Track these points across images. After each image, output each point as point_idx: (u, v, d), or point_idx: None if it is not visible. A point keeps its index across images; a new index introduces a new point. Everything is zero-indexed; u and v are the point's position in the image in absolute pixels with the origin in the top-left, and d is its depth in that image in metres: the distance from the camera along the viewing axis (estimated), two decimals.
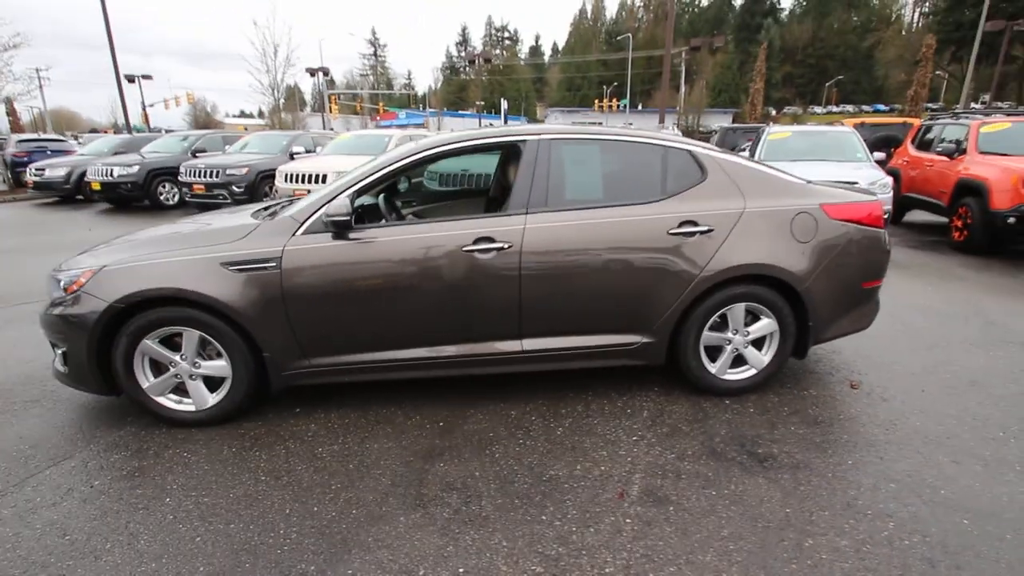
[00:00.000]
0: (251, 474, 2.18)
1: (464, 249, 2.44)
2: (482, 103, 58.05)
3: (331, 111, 41.26)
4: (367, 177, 2.54)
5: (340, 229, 2.41)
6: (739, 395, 2.81)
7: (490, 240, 2.45)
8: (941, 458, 2.28)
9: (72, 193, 12.27)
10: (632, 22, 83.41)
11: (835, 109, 64.97)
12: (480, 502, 2.00)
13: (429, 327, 2.53)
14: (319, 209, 2.45)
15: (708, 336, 2.71)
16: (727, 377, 2.79)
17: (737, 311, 2.68)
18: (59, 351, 2.52)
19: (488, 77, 73.94)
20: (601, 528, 1.86)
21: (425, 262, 2.44)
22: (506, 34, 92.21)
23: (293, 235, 2.43)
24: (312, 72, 38.56)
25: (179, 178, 10.43)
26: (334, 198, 2.45)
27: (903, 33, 71.49)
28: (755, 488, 2.08)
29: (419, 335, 2.55)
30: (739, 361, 2.81)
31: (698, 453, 2.30)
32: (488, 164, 7.80)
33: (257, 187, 9.96)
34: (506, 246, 2.45)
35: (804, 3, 77.28)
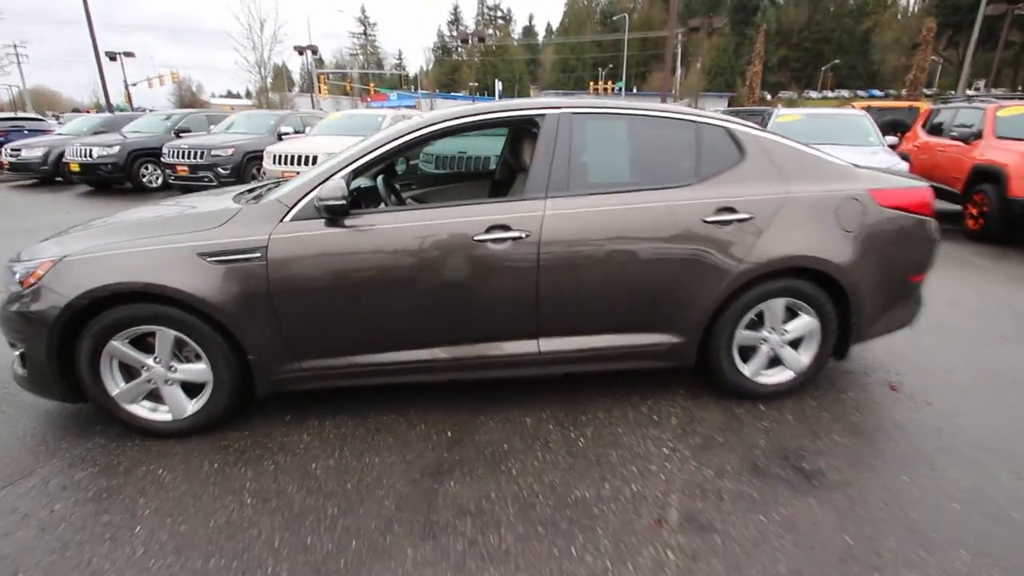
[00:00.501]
0: (235, 496, 1.91)
1: (476, 238, 2.15)
2: (475, 84, 56.96)
3: (320, 91, 40.20)
4: (364, 156, 2.23)
5: (335, 215, 2.12)
6: (773, 399, 2.58)
7: (505, 228, 2.17)
8: (999, 470, 2.07)
9: (51, 175, 11.71)
10: (627, 2, 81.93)
11: (830, 94, 64.54)
12: (499, 531, 1.75)
13: (435, 325, 2.26)
14: (311, 192, 2.15)
15: (742, 335, 2.46)
16: (762, 380, 2.55)
17: (776, 307, 2.43)
18: (17, 352, 2.22)
19: (481, 58, 72.54)
20: (641, 563, 1.62)
21: (431, 252, 2.15)
22: (499, 14, 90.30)
23: (281, 221, 2.13)
24: (300, 50, 37.47)
25: (162, 159, 9.97)
26: (328, 179, 2.15)
27: (899, 17, 70.89)
28: (807, 511, 1.85)
29: (423, 334, 2.27)
30: (774, 362, 2.57)
31: (738, 469, 2.07)
32: (487, 146, 7.47)
33: (244, 168, 9.54)
34: (523, 235, 2.17)
35: None
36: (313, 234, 2.12)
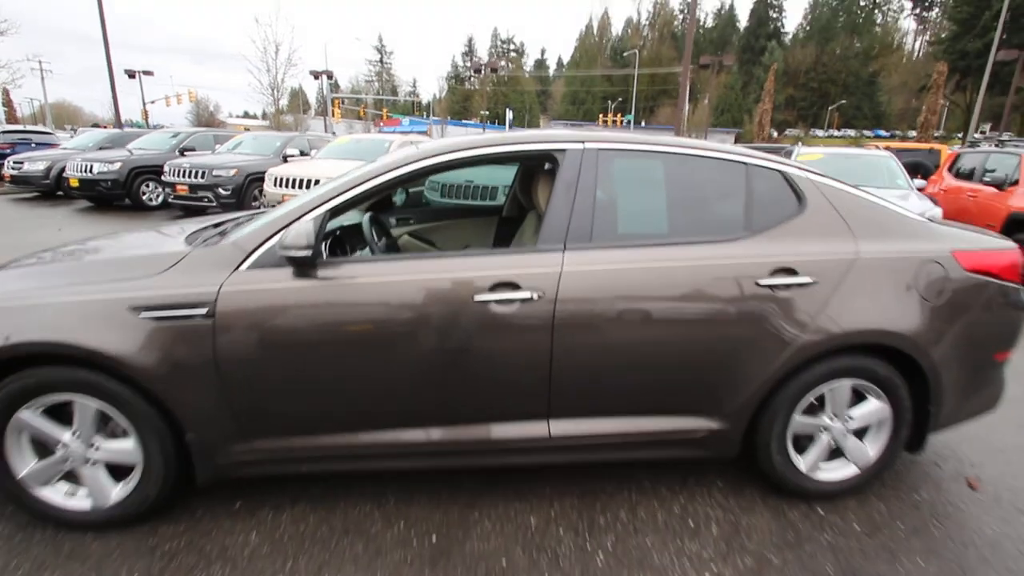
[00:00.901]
0: None
1: (477, 299, 1.74)
2: (486, 112, 57.75)
3: (334, 115, 40.73)
4: (346, 191, 1.84)
5: (300, 267, 1.72)
6: (833, 499, 2.11)
7: (513, 287, 1.76)
8: None
9: (52, 189, 11.49)
10: (637, 39, 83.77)
11: (836, 133, 65.05)
12: None
13: (421, 402, 1.83)
14: (275, 235, 1.76)
15: (799, 422, 2.02)
16: (820, 476, 2.09)
17: (840, 390, 2.00)
18: None
19: (493, 88, 73.85)
20: None
21: (422, 313, 1.74)
22: (512, 46, 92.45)
23: (235, 270, 1.73)
24: (316, 75, 38.10)
25: (162, 177, 9.75)
26: (294, 221, 1.75)
27: (904, 61, 72.06)
28: None
29: (409, 412, 1.84)
30: (834, 454, 2.11)
31: None
32: (495, 175, 7.15)
33: (246, 190, 9.26)
34: (535, 295, 1.76)
35: (808, 28, 77.90)
36: (275, 287, 1.71)
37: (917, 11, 73.82)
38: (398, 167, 1.87)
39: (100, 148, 12.39)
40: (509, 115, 39.77)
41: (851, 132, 63.79)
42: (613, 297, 1.80)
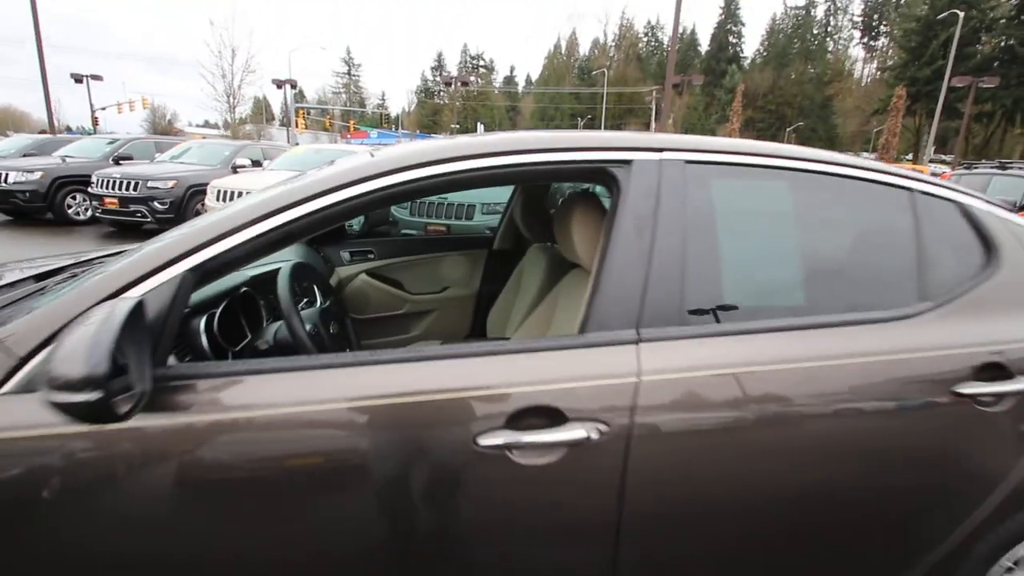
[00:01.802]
0: None
1: (483, 443, 0.94)
2: (457, 126, 57.20)
3: (298, 125, 39.25)
4: (214, 242, 0.98)
5: (84, 415, 0.82)
6: None
7: (550, 416, 0.96)
8: None
9: None
10: (604, 60, 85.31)
11: None
12: None
13: None
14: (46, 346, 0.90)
15: None
16: None
17: None
18: None
19: (463, 102, 73.51)
20: None
21: (373, 480, 0.94)
22: (481, 62, 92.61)
23: None
24: (279, 84, 36.70)
25: (90, 189, 8.56)
26: (86, 312, 0.87)
27: (858, 86, 75.94)
28: None
29: None
30: None
31: None
32: (470, 192, 6.33)
33: (186, 204, 8.19)
34: (593, 433, 0.96)
35: (765, 53, 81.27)
36: (49, 433, 0.86)
37: (865, 40, 78.31)
38: (333, 189, 1.04)
39: (25, 155, 11.04)
40: (480, 129, 39.24)
41: None
42: (731, 425, 1.03)
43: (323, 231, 1.10)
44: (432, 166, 1.07)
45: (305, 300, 1.63)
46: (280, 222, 0.99)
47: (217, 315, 1.27)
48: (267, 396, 0.92)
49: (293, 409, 0.91)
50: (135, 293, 0.88)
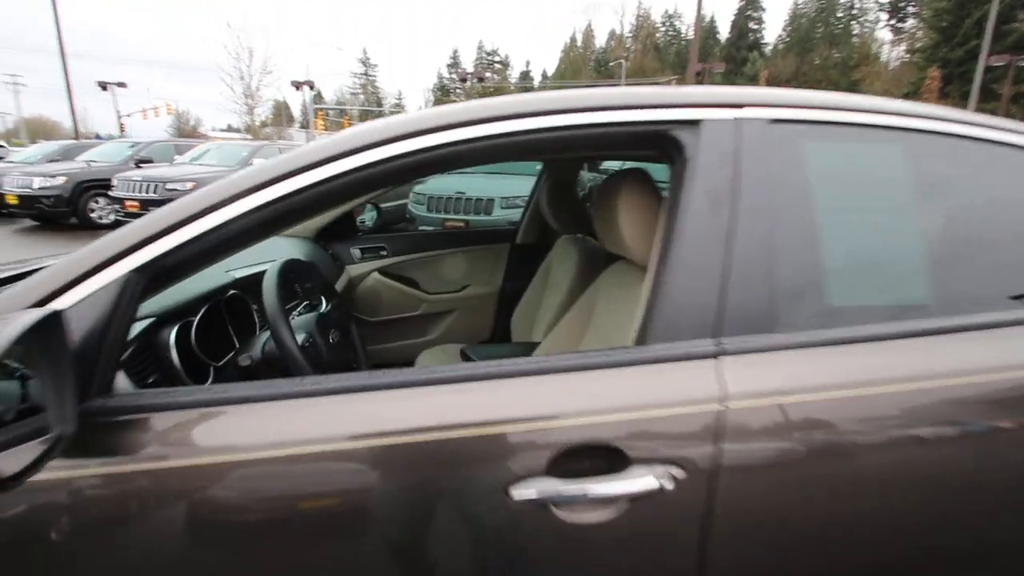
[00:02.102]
0: None
1: (517, 496, 0.71)
2: None
3: (316, 126, 39.63)
4: (179, 227, 0.81)
5: None
6: None
7: (609, 457, 0.73)
8: None
9: None
10: (621, 51, 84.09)
11: None
12: None
13: None
14: None
15: None
16: None
17: None
18: None
19: (479, 98, 73.39)
20: None
21: (370, 533, 0.71)
22: (496, 58, 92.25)
23: None
24: (297, 85, 37.01)
25: (110, 192, 8.62)
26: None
27: (881, 72, 73.50)
28: None
29: None
30: None
31: None
32: (491, 184, 6.06)
33: None
34: (664, 482, 0.73)
35: (787, 39, 79.01)
36: None
37: (892, 22, 75.62)
38: (337, 156, 0.83)
39: (51, 161, 11.23)
40: None
41: None
42: (853, 464, 0.79)
43: (319, 220, 0.88)
44: (455, 129, 0.84)
45: (305, 304, 1.42)
46: (255, 204, 0.78)
47: (195, 324, 1.07)
48: (231, 435, 0.71)
49: (258, 454, 0.70)
50: (61, 304, 0.68)
